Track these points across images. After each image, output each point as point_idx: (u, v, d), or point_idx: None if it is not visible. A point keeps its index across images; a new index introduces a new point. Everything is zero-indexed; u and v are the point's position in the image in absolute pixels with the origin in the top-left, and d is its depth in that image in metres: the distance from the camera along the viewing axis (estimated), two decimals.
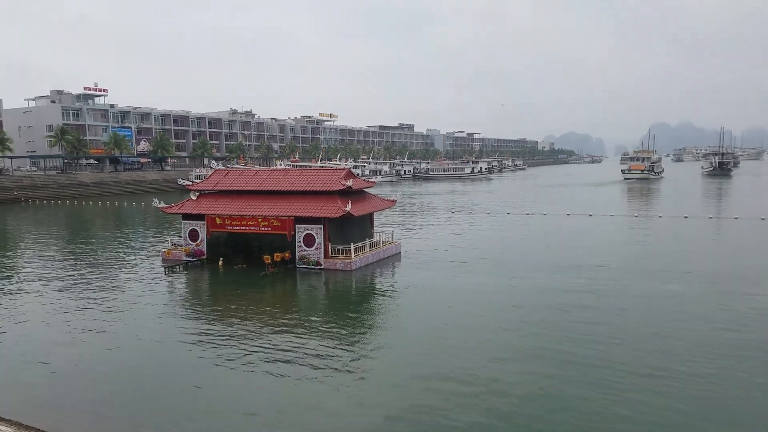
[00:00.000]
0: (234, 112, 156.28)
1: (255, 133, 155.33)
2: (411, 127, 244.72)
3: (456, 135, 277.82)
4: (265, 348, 18.76)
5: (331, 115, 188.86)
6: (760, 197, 76.78)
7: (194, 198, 34.23)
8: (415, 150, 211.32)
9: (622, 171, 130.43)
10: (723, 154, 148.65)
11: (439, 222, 53.45)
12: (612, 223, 50.42)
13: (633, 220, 52.41)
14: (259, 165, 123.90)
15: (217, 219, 32.39)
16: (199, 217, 33.04)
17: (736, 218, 50.53)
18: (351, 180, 31.51)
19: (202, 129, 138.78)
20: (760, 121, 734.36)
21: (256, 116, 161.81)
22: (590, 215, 54.74)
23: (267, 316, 22.54)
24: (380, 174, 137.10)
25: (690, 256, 33.63)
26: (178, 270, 31.22)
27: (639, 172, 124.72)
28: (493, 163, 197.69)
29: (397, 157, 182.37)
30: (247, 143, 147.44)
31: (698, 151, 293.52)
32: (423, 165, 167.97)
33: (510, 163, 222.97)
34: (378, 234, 35.15)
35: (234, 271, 30.78)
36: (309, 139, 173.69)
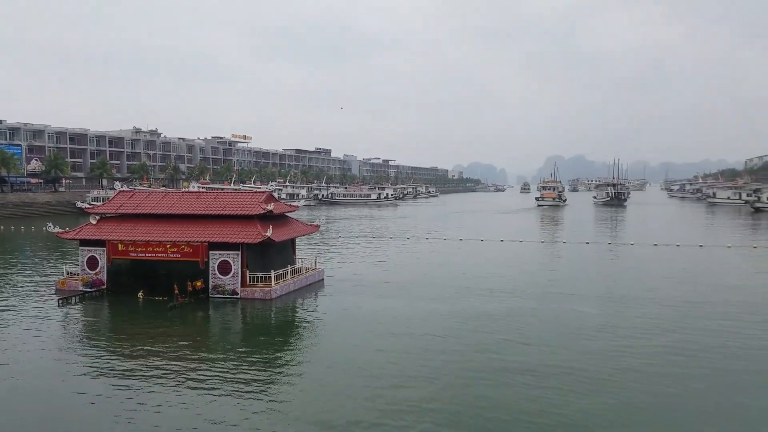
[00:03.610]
0: (138, 130, 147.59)
1: (160, 153, 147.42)
2: (328, 151, 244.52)
3: (372, 161, 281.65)
4: (170, 386, 17.04)
5: (244, 137, 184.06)
6: (651, 225, 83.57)
7: (94, 222, 31.25)
8: (332, 174, 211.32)
9: (536, 198, 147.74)
10: (618, 185, 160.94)
11: (360, 247, 52.91)
12: (522, 248, 52.47)
13: (540, 245, 55.05)
14: (165, 187, 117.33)
15: (120, 245, 29.66)
16: (99, 243, 30.13)
17: (632, 244, 54.48)
18: (272, 204, 30.23)
19: (102, 148, 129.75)
20: (642, 155, 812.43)
21: (162, 135, 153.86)
22: (501, 240, 56.84)
23: (173, 351, 20.63)
24: (298, 198, 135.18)
25: (594, 280, 35.42)
26: (73, 301, 28.15)
27: (551, 200, 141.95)
28: (408, 190, 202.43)
29: (315, 181, 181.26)
30: (152, 164, 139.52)
31: (590, 182, 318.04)
32: (331, 190, 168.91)
33: (424, 190, 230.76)
34: (300, 260, 33.90)
35: (137, 302, 28.17)
36: (220, 160, 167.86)
